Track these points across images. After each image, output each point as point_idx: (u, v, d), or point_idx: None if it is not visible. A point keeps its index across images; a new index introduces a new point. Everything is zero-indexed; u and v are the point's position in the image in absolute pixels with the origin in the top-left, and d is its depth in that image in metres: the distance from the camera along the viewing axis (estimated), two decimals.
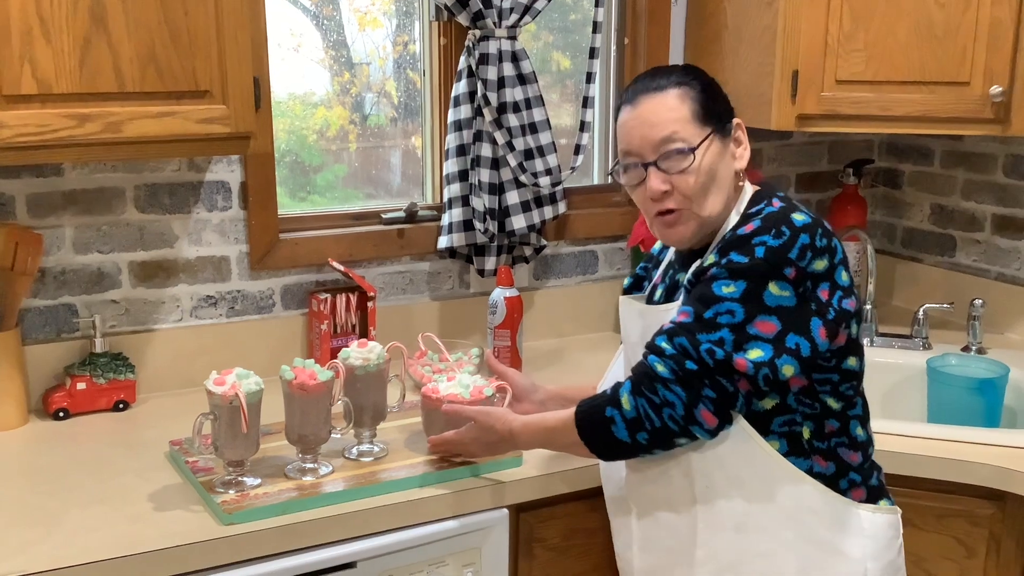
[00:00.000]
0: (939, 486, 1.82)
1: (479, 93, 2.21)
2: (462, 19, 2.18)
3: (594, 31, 2.32)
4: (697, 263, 1.51)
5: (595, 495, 1.79)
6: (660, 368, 1.43)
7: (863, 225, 2.71)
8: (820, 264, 1.44)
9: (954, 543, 1.85)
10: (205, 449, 1.63)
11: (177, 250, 2.10)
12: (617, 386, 1.48)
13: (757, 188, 1.57)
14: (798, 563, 1.49)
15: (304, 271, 2.22)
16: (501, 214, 2.28)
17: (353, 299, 2.20)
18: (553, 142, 2.33)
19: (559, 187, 2.34)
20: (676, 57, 2.55)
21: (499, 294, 2.23)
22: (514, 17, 2.20)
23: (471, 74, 2.22)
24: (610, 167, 1.62)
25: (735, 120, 1.56)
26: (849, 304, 1.46)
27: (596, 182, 2.64)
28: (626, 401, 1.45)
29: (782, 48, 2.20)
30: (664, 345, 1.44)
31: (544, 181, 2.30)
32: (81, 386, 1.97)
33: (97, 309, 2.04)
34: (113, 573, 1.44)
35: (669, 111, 1.50)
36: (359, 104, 2.40)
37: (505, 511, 1.72)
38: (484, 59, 2.20)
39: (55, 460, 1.78)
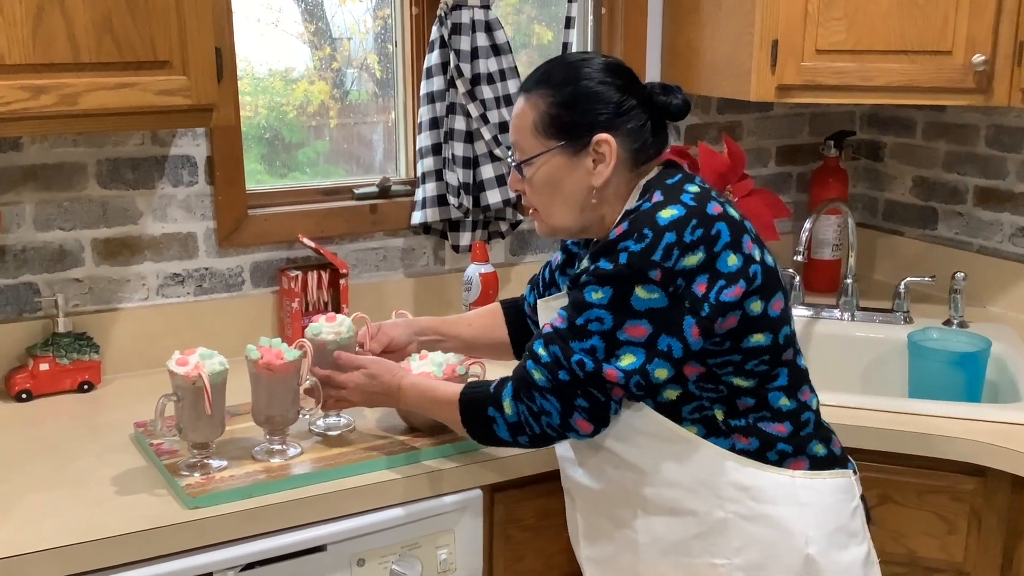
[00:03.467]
0: (920, 462, 1.80)
1: (452, 64, 2.16)
2: None
3: (570, 0, 2.27)
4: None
5: None
6: (537, 376, 1.44)
7: (844, 198, 2.67)
8: (692, 259, 1.39)
9: (936, 519, 1.83)
10: (168, 432, 1.58)
11: (142, 227, 2.05)
12: (501, 384, 1.49)
13: (655, 173, 1.51)
14: (737, 540, 1.48)
15: (274, 248, 2.17)
16: (476, 188, 2.23)
17: (325, 276, 2.16)
18: None
19: None
20: (655, 27, 2.50)
21: (474, 270, 2.18)
22: None
23: (443, 45, 2.16)
24: None
25: (599, 136, 1.47)
26: (731, 293, 1.40)
27: None
28: (508, 406, 1.47)
29: (761, 17, 2.15)
30: (541, 352, 1.45)
31: None
32: (44, 367, 1.92)
33: (60, 288, 1.99)
34: (72, 560, 1.40)
35: (518, 119, 1.53)
36: (340, 79, 2.34)
37: (479, 491, 1.69)
38: (457, 29, 2.14)
39: (16, 443, 1.73)
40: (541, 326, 1.56)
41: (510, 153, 1.58)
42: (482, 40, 2.17)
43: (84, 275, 2.01)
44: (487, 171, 2.22)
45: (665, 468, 1.49)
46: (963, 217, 2.59)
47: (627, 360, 1.40)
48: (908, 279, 2.39)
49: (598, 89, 1.48)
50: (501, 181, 2.25)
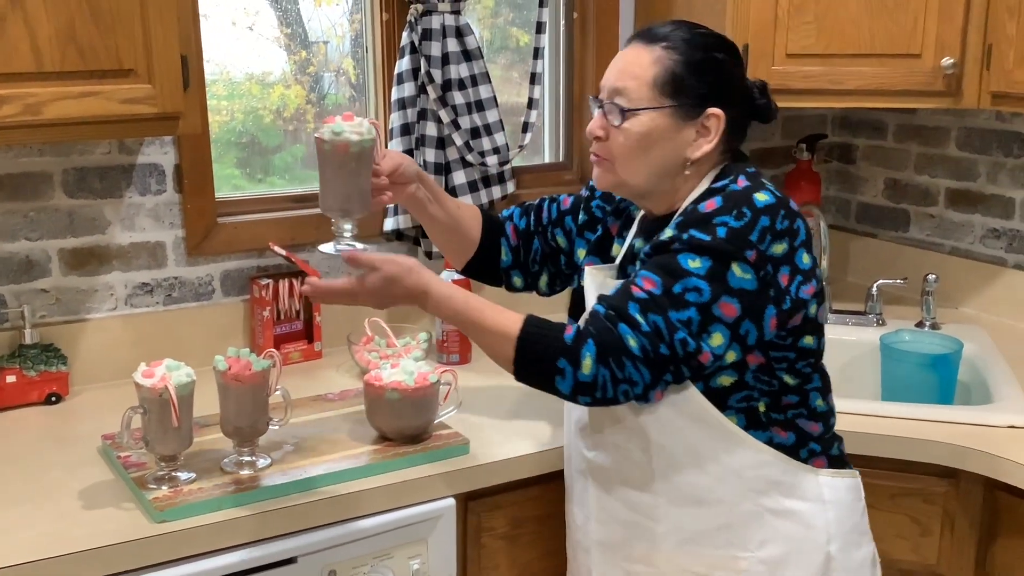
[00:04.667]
0: (893, 464, 1.81)
1: (423, 70, 2.14)
2: None
3: (541, 5, 2.26)
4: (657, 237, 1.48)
5: (544, 482, 1.76)
6: (632, 343, 1.37)
7: (817, 201, 2.68)
8: (779, 247, 1.40)
9: (908, 521, 1.83)
10: (135, 444, 1.56)
11: (109, 236, 2.02)
12: (579, 338, 1.39)
13: (725, 163, 1.52)
14: (761, 533, 1.48)
15: (244, 256, 2.15)
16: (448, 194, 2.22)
17: (296, 284, 2.14)
18: (500, 120, 2.27)
19: (507, 166, 2.29)
20: (626, 32, 2.49)
21: (447, 277, 2.17)
22: None
23: (414, 50, 2.15)
24: None
25: (712, 109, 1.46)
26: (807, 291, 1.44)
27: (547, 160, 2.59)
28: (588, 365, 1.37)
29: (732, 21, 2.15)
30: (638, 318, 1.38)
31: (491, 160, 2.24)
32: (11, 379, 1.89)
33: (26, 299, 1.96)
34: (38, 575, 1.38)
35: (635, 66, 1.46)
36: (317, 83, 2.32)
37: (452, 500, 1.67)
38: (427, 35, 2.13)
39: None
40: (590, 293, 1.54)
41: (606, 104, 1.48)
42: (453, 46, 2.16)
43: (51, 285, 1.99)
44: (459, 177, 2.21)
45: (700, 455, 1.47)
46: (935, 219, 2.60)
47: (717, 340, 1.38)
48: (880, 281, 2.40)
49: (725, 65, 1.48)
50: (473, 187, 2.24)
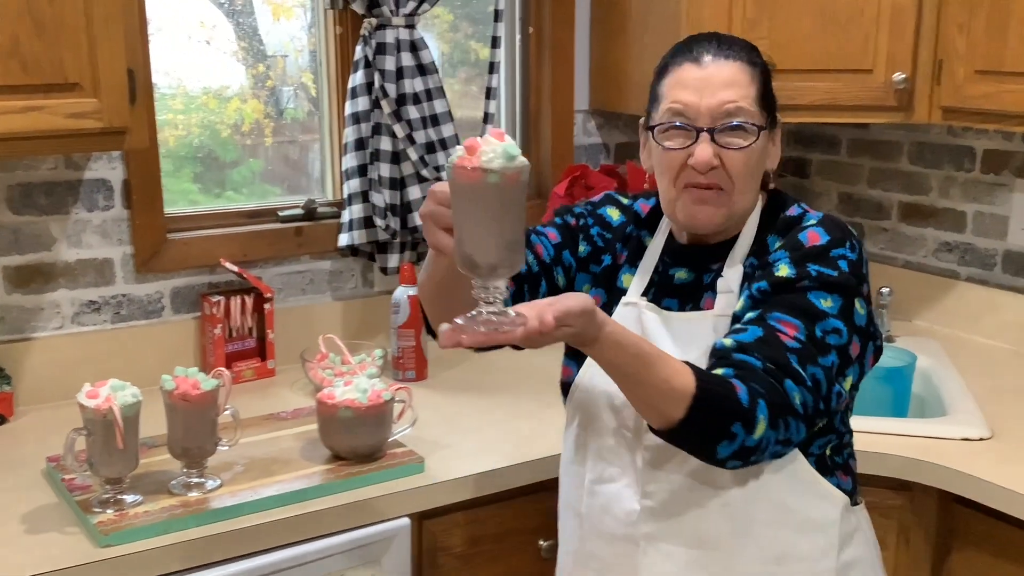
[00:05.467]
0: None
1: (377, 84, 2.13)
2: (357, 7, 2.10)
3: (496, 20, 2.25)
4: (752, 267, 1.38)
5: (501, 500, 1.74)
6: (797, 399, 1.24)
7: None
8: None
9: None
10: (79, 467, 1.52)
11: (55, 253, 1.98)
12: (752, 397, 1.21)
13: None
14: None
15: (195, 272, 2.11)
16: (403, 210, 2.20)
17: (249, 301, 2.11)
18: (456, 135, 2.25)
19: None
20: (582, 47, 2.50)
21: (402, 293, 2.15)
22: (411, 5, 2.12)
23: (368, 65, 2.13)
24: (645, 122, 1.43)
25: (780, 122, 1.42)
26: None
27: None
28: (760, 429, 1.21)
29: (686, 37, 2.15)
30: (801, 372, 1.25)
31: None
32: None
33: None
34: None
35: (740, 84, 1.35)
36: (275, 97, 2.30)
37: (407, 520, 1.65)
38: (381, 49, 2.11)
39: None
40: (683, 342, 1.35)
41: (657, 125, 1.35)
42: (407, 60, 2.14)
43: None
44: (414, 192, 2.19)
45: (784, 509, 1.35)
46: (888, 233, 2.62)
47: (848, 383, 1.32)
48: None
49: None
50: None
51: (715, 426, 1.20)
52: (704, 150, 1.33)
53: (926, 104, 2.10)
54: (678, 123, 1.35)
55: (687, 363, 1.23)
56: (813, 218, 1.38)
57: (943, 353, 2.27)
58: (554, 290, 1.47)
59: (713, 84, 1.34)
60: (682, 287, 1.43)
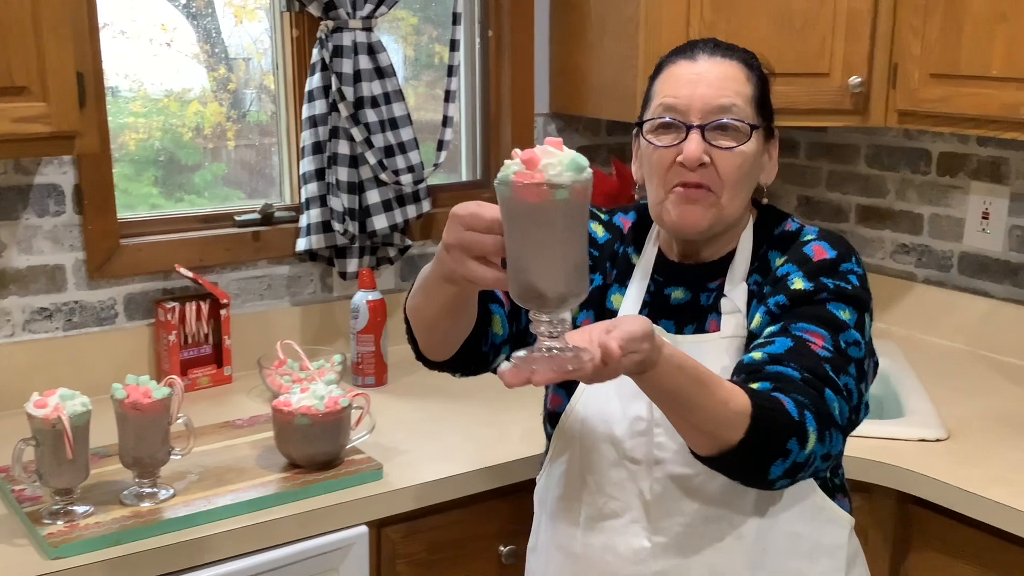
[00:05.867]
0: None
1: (334, 88, 2.11)
2: (313, 9, 2.08)
3: (454, 23, 2.24)
4: (759, 279, 1.34)
5: (460, 506, 1.73)
6: (836, 409, 1.20)
7: None
8: None
9: None
10: (28, 478, 1.49)
11: (5, 260, 1.94)
12: (800, 409, 1.15)
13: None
14: None
15: (149, 279, 2.08)
16: (362, 214, 2.18)
17: (204, 307, 2.08)
18: (415, 138, 2.24)
19: (422, 185, 2.26)
20: (542, 50, 2.49)
21: (361, 298, 2.13)
22: (368, 7, 2.10)
23: (325, 68, 2.11)
24: (639, 118, 1.38)
25: (776, 134, 1.39)
26: None
27: (464, 179, 2.57)
28: (811, 443, 1.15)
29: (644, 40, 2.16)
30: (838, 380, 1.21)
31: (406, 179, 2.21)
32: None
33: None
34: None
35: (735, 82, 1.32)
36: (238, 100, 2.27)
37: (365, 528, 1.63)
38: (338, 52, 2.09)
39: None
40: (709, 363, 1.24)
41: (649, 121, 1.31)
42: (365, 63, 2.12)
43: None
44: (373, 196, 2.18)
45: (796, 537, 1.32)
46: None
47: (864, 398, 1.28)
48: None
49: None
50: (388, 206, 2.20)
51: (772, 445, 1.13)
52: (694, 145, 1.29)
53: (882, 107, 2.11)
54: (668, 118, 1.31)
55: (732, 380, 1.17)
56: (812, 232, 1.37)
57: (901, 354, 2.28)
58: None
59: (706, 80, 1.31)
60: (679, 307, 1.39)
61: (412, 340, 1.35)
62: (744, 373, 1.23)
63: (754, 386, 1.18)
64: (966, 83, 1.95)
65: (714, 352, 1.32)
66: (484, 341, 1.34)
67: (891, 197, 2.53)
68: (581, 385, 1.37)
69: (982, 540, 1.66)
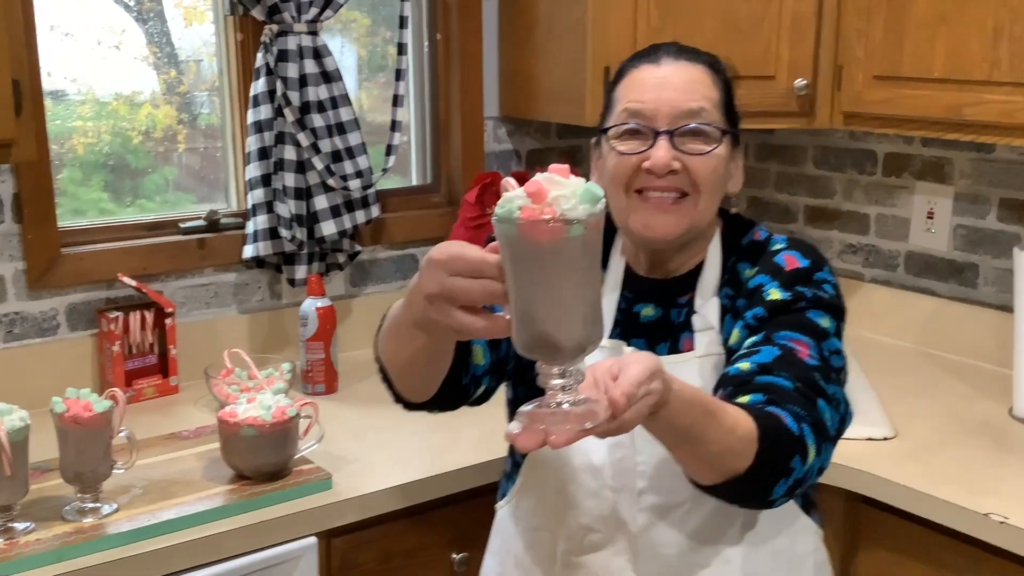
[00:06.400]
0: None
1: (279, 92, 2.08)
2: (257, 13, 2.05)
3: (401, 26, 2.23)
4: (728, 294, 1.31)
5: (411, 514, 1.72)
6: (828, 419, 1.16)
7: None
8: None
9: None
10: None
11: None
12: (799, 422, 1.11)
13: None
14: None
15: (92, 288, 2.04)
16: (310, 220, 2.16)
17: (149, 316, 2.04)
18: (363, 143, 2.22)
19: (371, 190, 2.24)
20: (490, 53, 2.48)
21: (310, 304, 2.11)
22: (314, 11, 2.08)
23: (270, 72, 2.08)
24: (597, 138, 1.35)
25: (741, 143, 1.37)
26: None
27: (415, 183, 2.55)
28: (812, 455, 1.11)
29: (592, 43, 2.16)
30: (828, 389, 1.18)
31: (354, 184, 2.19)
32: None
33: None
34: None
35: (702, 85, 1.28)
36: (188, 103, 2.23)
37: (314, 539, 1.61)
38: (283, 56, 2.07)
39: None
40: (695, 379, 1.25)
41: (614, 127, 1.27)
42: (311, 67, 2.10)
43: None
44: (321, 202, 2.15)
45: (780, 549, 1.31)
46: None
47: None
48: None
49: None
50: (336, 212, 2.18)
51: (778, 466, 1.08)
52: (662, 152, 1.25)
53: (827, 109, 2.13)
54: (634, 124, 1.27)
55: (731, 399, 1.11)
56: (782, 241, 1.34)
57: (849, 353, 2.30)
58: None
59: (672, 84, 1.27)
60: (650, 325, 1.35)
61: (387, 383, 1.29)
62: (732, 385, 1.18)
63: (745, 399, 1.14)
64: (909, 85, 1.98)
65: (690, 372, 1.28)
66: (464, 373, 1.27)
67: (838, 198, 2.55)
68: None
69: (931, 538, 1.67)
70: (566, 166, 0.86)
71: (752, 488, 1.09)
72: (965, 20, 1.87)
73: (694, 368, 1.30)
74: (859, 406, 2.00)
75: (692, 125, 1.26)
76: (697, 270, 1.35)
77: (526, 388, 1.35)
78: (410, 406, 1.30)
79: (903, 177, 2.41)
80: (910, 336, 2.41)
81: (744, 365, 1.19)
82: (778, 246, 1.34)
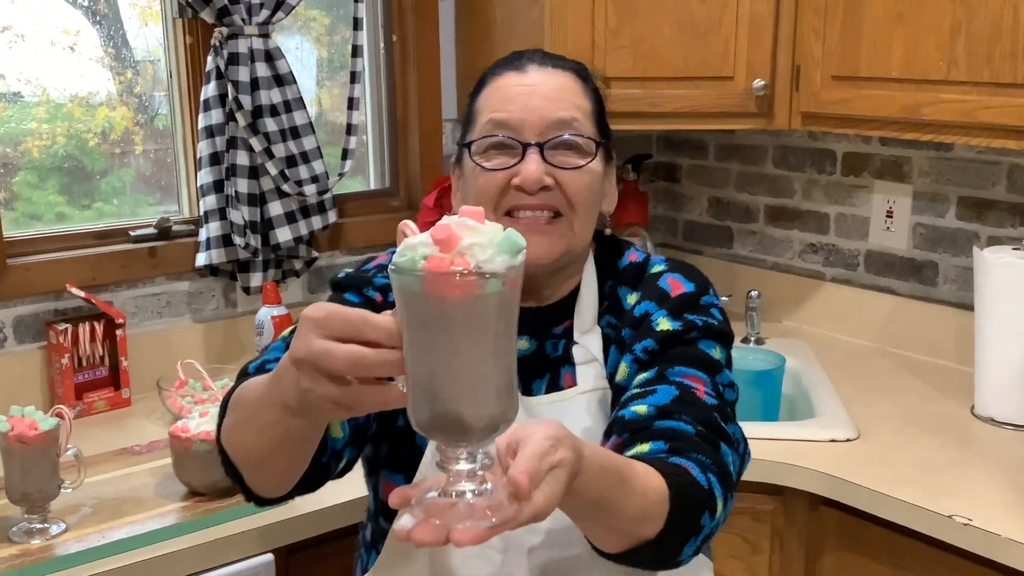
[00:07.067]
0: None
1: (230, 96, 2.03)
2: (206, 15, 2.00)
3: (355, 28, 2.19)
4: (623, 324, 1.20)
5: None
6: (731, 465, 1.07)
7: (645, 221, 2.70)
8: None
9: (739, 541, 1.84)
10: None
11: None
12: (704, 472, 1.02)
13: None
14: None
15: (39, 300, 1.98)
16: (264, 226, 2.12)
17: (99, 327, 1.99)
18: (319, 147, 2.18)
19: (327, 195, 2.20)
20: (448, 54, 2.45)
21: (265, 313, 2.07)
22: (265, 13, 2.03)
23: (220, 76, 2.04)
24: (458, 154, 1.24)
25: (614, 160, 1.27)
26: None
27: (372, 187, 2.52)
28: (720, 509, 1.02)
29: (550, 44, 2.13)
30: (728, 429, 1.10)
31: (310, 189, 2.15)
32: None
33: None
34: None
35: (572, 94, 1.18)
36: (145, 104, 2.18)
37: (270, 556, 1.57)
38: (234, 59, 2.02)
39: None
40: (574, 420, 1.14)
41: (476, 141, 1.16)
42: (262, 70, 2.06)
43: None
44: (275, 208, 2.11)
45: None
46: (756, 235, 2.66)
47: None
48: None
49: None
50: (291, 218, 2.14)
51: (690, 527, 0.99)
52: (533, 166, 1.14)
53: (786, 110, 2.12)
54: (501, 136, 1.15)
55: (637, 457, 1.00)
56: (660, 262, 1.26)
57: (811, 353, 2.30)
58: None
59: (540, 92, 1.16)
60: (524, 360, 1.21)
61: (235, 476, 1.07)
62: (629, 431, 1.08)
63: (645, 447, 1.05)
64: (866, 85, 1.98)
65: (575, 411, 1.18)
66: (323, 451, 1.08)
67: (798, 197, 2.55)
68: (423, 467, 1.19)
69: (896, 540, 1.67)
70: (480, 209, 0.75)
71: (661, 553, 0.99)
72: (922, 19, 1.87)
73: (580, 406, 1.19)
74: (822, 407, 2.01)
75: (565, 136, 1.16)
76: (572, 296, 1.24)
77: (389, 446, 1.24)
78: (262, 502, 1.10)
79: (862, 176, 2.41)
80: (870, 335, 2.41)
81: (641, 408, 1.09)
82: (658, 268, 1.25)
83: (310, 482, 1.09)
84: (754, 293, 2.39)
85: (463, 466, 0.74)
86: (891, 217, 2.36)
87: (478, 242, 0.71)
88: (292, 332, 0.93)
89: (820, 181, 2.50)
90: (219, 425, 1.08)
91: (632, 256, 1.27)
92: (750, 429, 1.85)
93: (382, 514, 1.27)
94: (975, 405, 1.97)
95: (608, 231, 1.31)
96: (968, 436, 1.89)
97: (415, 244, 0.72)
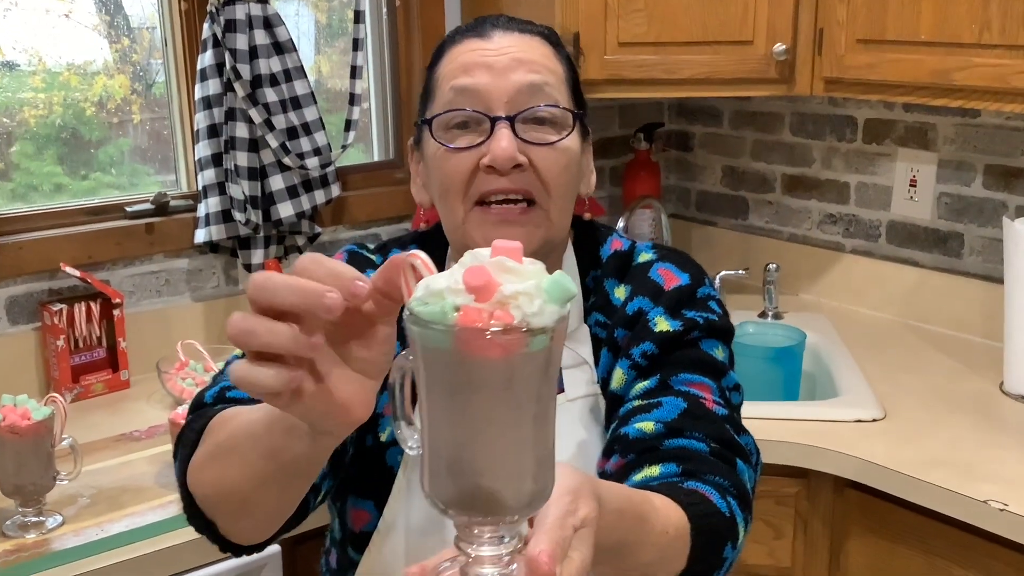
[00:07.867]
0: None
1: (228, 65, 1.95)
2: None
3: None
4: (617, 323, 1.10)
5: None
6: (748, 482, 1.00)
7: (656, 192, 2.62)
8: None
9: (762, 525, 1.78)
10: None
11: None
12: (724, 497, 0.93)
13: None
14: None
15: (33, 279, 1.91)
16: (265, 201, 2.04)
17: (95, 307, 1.92)
18: (320, 118, 2.10)
19: (330, 168, 2.12)
20: (453, 21, 2.36)
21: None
22: None
23: (217, 44, 1.95)
24: (417, 135, 1.11)
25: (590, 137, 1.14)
26: None
27: (377, 158, 2.43)
28: (742, 535, 0.95)
29: (561, 9, 2.04)
30: (742, 442, 1.02)
31: (312, 162, 2.07)
32: None
33: None
34: None
35: (542, 57, 1.05)
36: (142, 72, 2.09)
37: (277, 547, 1.51)
38: (231, 26, 1.94)
39: None
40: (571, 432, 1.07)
41: (435, 117, 1.03)
42: (261, 38, 1.97)
43: None
44: (276, 182, 2.03)
45: None
46: (773, 206, 2.58)
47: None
48: (723, 273, 2.35)
49: None
50: (293, 192, 2.06)
51: (712, 561, 0.90)
52: (505, 142, 1.00)
53: (808, 76, 2.03)
54: (468, 110, 1.01)
55: (654, 489, 0.89)
56: (647, 250, 1.16)
57: (831, 328, 2.23)
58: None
59: (507, 59, 1.02)
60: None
61: (204, 525, 0.94)
62: (635, 452, 0.98)
63: (655, 469, 0.95)
64: (893, 49, 1.89)
65: (565, 421, 1.06)
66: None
67: (817, 166, 2.47)
68: (397, 491, 1.08)
69: (925, 524, 1.61)
70: (518, 244, 0.60)
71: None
72: None
73: (570, 415, 1.09)
74: (845, 385, 1.94)
75: (539, 108, 1.02)
76: None
77: (358, 467, 1.11)
78: (240, 551, 0.97)
79: (884, 144, 2.32)
80: (893, 308, 2.34)
81: (646, 425, 0.99)
82: (646, 256, 1.15)
83: (289, 523, 0.96)
84: (772, 266, 2.31)
85: (487, 551, 0.62)
86: (914, 186, 2.28)
87: (523, 290, 0.57)
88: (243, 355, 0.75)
89: (840, 149, 2.41)
90: (182, 463, 0.94)
91: (616, 244, 1.16)
92: (771, 409, 1.82)
93: (350, 544, 1.14)
94: (1004, 382, 1.90)
95: (588, 215, 1.15)
96: (999, 415, 1.82)
97: (441, 290, 0.58)
